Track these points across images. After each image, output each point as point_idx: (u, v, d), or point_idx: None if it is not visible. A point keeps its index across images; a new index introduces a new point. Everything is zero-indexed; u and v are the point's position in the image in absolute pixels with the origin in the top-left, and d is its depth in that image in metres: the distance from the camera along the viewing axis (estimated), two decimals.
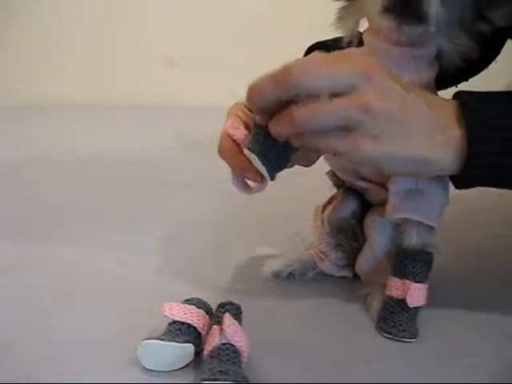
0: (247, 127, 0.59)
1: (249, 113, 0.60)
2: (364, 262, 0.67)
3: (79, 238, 0.84)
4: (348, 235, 0.70)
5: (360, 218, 0.69)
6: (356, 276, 0.69)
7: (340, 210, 0.70)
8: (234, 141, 0.59)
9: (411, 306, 0.59)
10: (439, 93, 0.69)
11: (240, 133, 0.59)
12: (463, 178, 0.56)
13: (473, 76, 0.75)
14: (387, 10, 0.57)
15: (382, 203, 0.64)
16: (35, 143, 1.39)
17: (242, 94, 0.53)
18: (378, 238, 0.65)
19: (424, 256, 0.61)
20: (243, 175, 0.59)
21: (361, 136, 0.51)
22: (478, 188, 0.59)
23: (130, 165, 1.22)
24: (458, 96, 0.56)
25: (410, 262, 0.61)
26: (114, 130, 1.52)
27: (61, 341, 0.57)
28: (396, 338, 0.59)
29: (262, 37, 1.81)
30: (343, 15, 0.63)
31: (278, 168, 0.57)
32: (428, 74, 0.62)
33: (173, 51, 1.90)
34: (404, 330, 0.59)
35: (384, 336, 0.59)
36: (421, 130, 0.53)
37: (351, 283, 0.70)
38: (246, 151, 0.57)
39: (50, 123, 1.61)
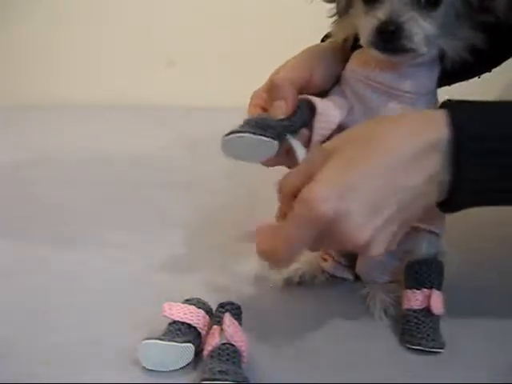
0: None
1: (267, 98, 0.62)
2: (363, 263, 0.67)
3: (79, 238, 0.84)
4: None
5: None
6: (357, 278, 0.69)
7: None
8: None
9: (435, 313, 0.58)
10: (450, 88, 0.69)
11: None
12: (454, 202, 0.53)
13: (489, 69, 0.73)
14: (372, 44, 0.59)
15: None
16: (35, 143, 1.38)
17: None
18: None
19: (437, 264, 0.61)
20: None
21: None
22: None
23: (130, 165, 1.22)
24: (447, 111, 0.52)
25: (425, 270, 0.60)
26: (114, 130, 1.51)
27: (61, 341, 0.57)
28: (427, 350, 0.57)
29: (262, 37, 1.81)
30: (335, 29, 0.66)
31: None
32: (429, 76, 0.62)
33: (173, 51, 1.90)
34: (434, 340, 0.57)
35: (412, 349, 0.57)
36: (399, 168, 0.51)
37: (351, 284, 0.70)
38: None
39: (50, 123, 1.60)
